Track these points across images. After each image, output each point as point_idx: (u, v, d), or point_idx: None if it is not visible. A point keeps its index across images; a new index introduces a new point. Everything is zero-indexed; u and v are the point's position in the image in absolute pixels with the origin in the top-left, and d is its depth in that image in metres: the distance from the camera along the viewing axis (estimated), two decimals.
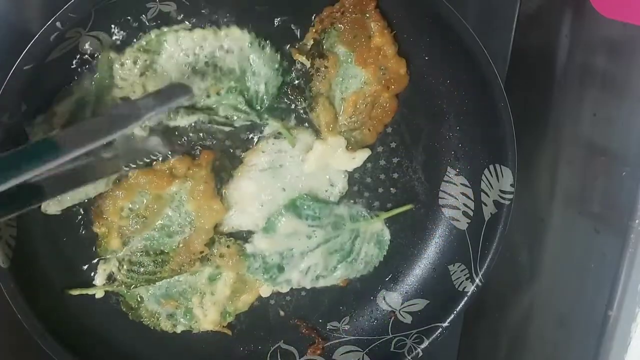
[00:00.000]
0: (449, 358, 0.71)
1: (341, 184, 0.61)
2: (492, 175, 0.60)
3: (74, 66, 0.54)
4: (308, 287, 0.63)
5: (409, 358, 0.62)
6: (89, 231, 0.58)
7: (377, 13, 0.57)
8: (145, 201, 0.57)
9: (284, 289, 0.62)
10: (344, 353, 0.64)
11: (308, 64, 0.58)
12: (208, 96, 0.57)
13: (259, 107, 0.58)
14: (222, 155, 0.59)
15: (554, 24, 0.62)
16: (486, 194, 0.60)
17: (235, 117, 0.58)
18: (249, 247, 0.61)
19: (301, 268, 0.61)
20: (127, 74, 0.55)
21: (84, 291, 0.59)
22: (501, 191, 0.59)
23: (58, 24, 0.50)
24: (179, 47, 0.55)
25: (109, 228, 0.58)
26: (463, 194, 0.62)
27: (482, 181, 0.60)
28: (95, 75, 0.54)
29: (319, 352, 0.64)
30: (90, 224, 0.58)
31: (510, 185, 0.59)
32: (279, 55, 0.57)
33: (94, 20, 0.52)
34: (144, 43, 0.54)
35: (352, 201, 0.62)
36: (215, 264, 0.60)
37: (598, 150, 0.57)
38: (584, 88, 0.59)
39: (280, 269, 0.61)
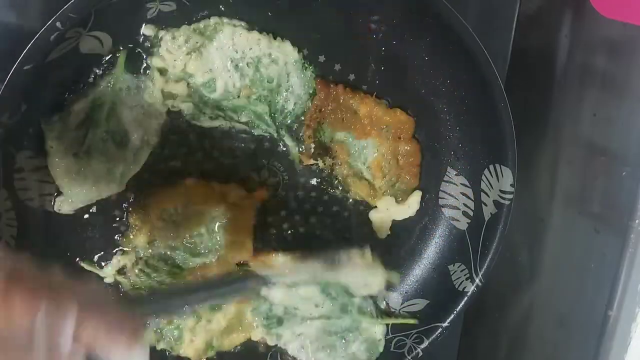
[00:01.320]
0: (449, 358, 0.71)
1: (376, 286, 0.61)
2: (492, 175, 0.60)
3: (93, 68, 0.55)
4: (290, 352, 0.62)
5: (409, 358, 0.62)
6: (93, 230, 0.58)
7: (347, 92, 0.58)
8: (187, 212, 0.58)
9: (272, 342, 0.62)
10: None
11: (321, 163, 0.60)
12: (238, 96, 0.58)
13: (280, 122, 0.59)
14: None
15: (554, 24, 0.62)
16: (486, 194, 0.60)
17: (255, 126, 0.59)
18: (264, 290, 0.60)
19: (295, 330, 0.61)
20: (175, 48, 0.56)
21: (96, 270, 0.58)
22: (501, 191, 0.59)
23: (58, 24, 0.50)
24: (232, 40, 0.56)
25: (143, 223, 0.58)
26: (463, 194, 0.62)
27: (482, 181, 0.60)
28: (112, 78, 0.55)
29: None
30: (100, 223, 0.58)
31: (510, 185, 0.59)
32: (314, 83, 0.58)
33: (94, 20, 0.52)
34: (202, 26, 0.56)
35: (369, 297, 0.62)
36: None
37: (598, 150, 0.57)
38: (584, 88, 0.59)
39: (280, 321, 0.61)
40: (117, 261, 0.59)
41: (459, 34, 0.55)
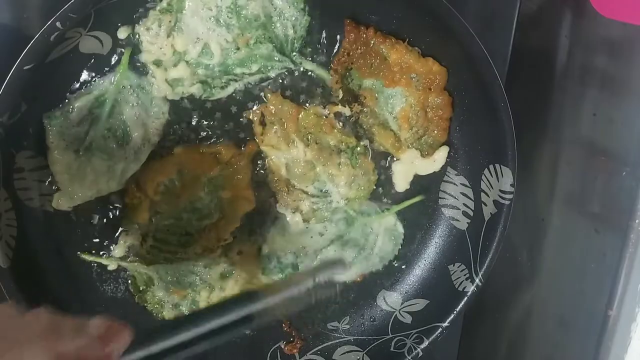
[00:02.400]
0: (449, 358, 0.71)
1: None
2: (492, 175, 0.60)
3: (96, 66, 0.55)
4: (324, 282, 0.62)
5: (409, 358, 0.62)
6: (92, 223, 0.58)
7: (379, 36, 0.57)
8: (183, 180, 0.58)
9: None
10: (344, 353, 0.64)
11: (349, 111, 0.58)
12: (238, 49, 0.56)
13: (290, 51, 0.57)
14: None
15: (554, 24, 0.62)
16: (486, 194, 0.60)
17: (269, 68, 0.57)
18: (264, 248, 0.61)
19: (316, 265, 0.61)
20: (154, 37, 0.55)
21: (98, 259, 0.58)
22: (501, 191, 0.59)
23: (58, 24, 0.50)
24: (200, 1, 0.55)
25: (141, 201, 0.58)
26: (463, 194, 0.62)
27: (482, 181, 0.60)
28: (115, 75, 0.55)
29: (295, 351, 0.64)
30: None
31: (510, 185, 0.59)
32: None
33: (94, 20, 0.52)
34: (166, 4, 0.55)
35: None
36: (231, 260, 0.60)
37: (598, 150, 0.57)
38: (584, 88, 0.59)
39: (295, 267, 0.61)
40: (122, 242, 0.58)
41: (459, 34, 0.55)
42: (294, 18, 0.56)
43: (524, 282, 0.66)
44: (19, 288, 0.54)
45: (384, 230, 0.62)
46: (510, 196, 0.59)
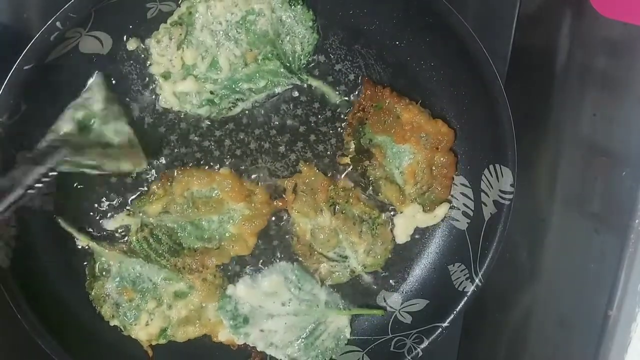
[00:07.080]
0: (449, 358, 0.71)
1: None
2: (492, 175, 0.60)
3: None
4: (259, 349, 0.62)
5: (409, 358, 0.62)
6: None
7: (394, 96, 0.59)
8: (210, 197, 0.59)
9: (241, 341, 0.62)
10: (344, 353, 0.64)
11: (357, 164, 0.60)
12: (246, 64, 0.57)
13: (297, 68, 0.58)
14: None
15: (554, 24, 0.62)
16: (486, 194, 0.60)
17: (275, 84, 0.58)
18: (230, 288, 0.61)
19: (263, 327, 0.62)
20: (164, 49, 0.55)
21: (71, 231, 0.58)
22: (501, 191, 0.59)
23: (58, 24, 0.50)
24: (211, 15, 0.55)
25: (165, 193, 0.58)
26: (463, 194, 0.62)
27: (482, 181, 0.60)
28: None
29: None
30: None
31: (510, 185, 0.59)
32: (311, 12, 0.57)
33: (94, 20, 0.52)
34: (177, 17, 0.55)
35: (334, 289, 0.63)
36: (192, 283, 0.60)
37: (598, 150, 0.57)
38: (584, 88, 0.59)
39: (246, 320, 0.61)
40: (120, 219, 0.59)
41: (459, 34, 0.55)
42: (301, 35, 0.57)
43: (524, 282, 0.66)
44: (19, 288, 0.55)
45: (333, 329, 0.63)
46: (510, 196, 0.59)
